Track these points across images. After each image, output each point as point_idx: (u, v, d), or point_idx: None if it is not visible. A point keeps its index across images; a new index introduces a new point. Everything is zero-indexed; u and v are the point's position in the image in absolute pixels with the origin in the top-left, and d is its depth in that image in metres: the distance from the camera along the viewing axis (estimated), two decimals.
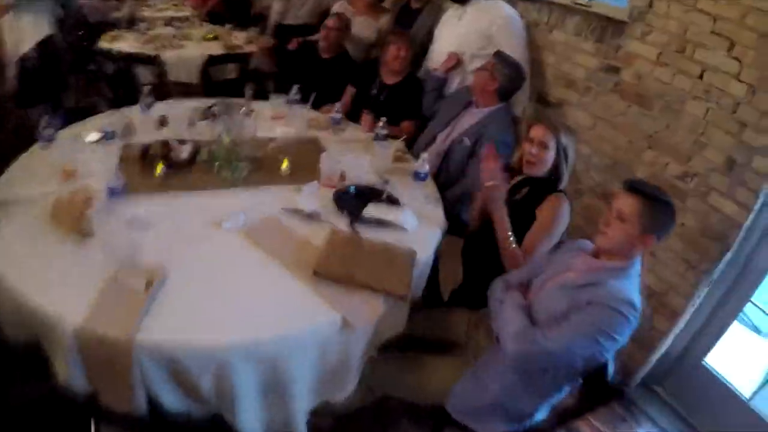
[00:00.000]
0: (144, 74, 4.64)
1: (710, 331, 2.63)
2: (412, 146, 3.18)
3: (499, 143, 2.60)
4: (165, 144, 2.56)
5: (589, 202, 3.15)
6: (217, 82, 4.75)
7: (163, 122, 2.92)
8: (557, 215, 2.16)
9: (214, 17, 6.17)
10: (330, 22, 3.73)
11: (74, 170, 2.33)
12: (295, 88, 3.22)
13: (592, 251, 1.79)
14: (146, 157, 2.51)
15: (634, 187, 1.66)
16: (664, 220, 1.64)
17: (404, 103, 3.41)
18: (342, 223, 2.20)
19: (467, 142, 2.89)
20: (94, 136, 2.69)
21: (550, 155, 2.22)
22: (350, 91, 3.65)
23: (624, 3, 2.88)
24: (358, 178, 2.52)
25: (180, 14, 7.30)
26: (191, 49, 4.84)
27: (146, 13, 6.88)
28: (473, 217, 2.45)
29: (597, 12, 3.00)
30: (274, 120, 3.14)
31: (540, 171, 2.25)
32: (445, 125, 3.06)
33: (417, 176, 2.56)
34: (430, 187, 2.66)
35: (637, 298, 1.59)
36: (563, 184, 2.28)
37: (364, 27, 4.08)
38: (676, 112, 2.62)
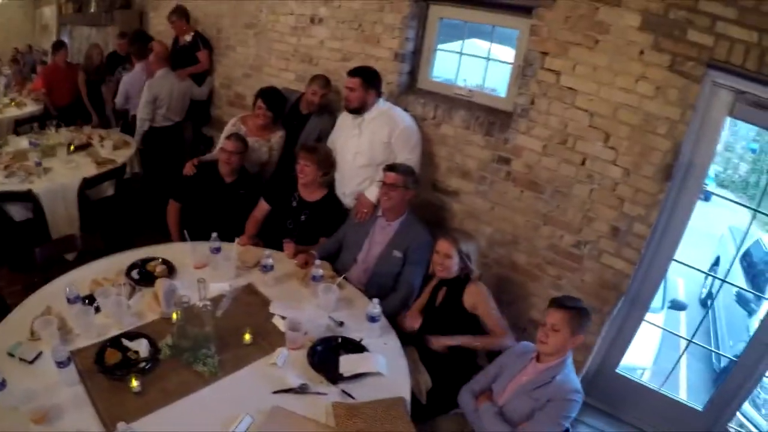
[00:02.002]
0: (18, 212, 4.33)
1: (617, 347, 3.49)
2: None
3: (425, 245, 3.16)
4: (117, 345, 2.44)
5: (497, 271, 3.65)
6: (95, 201, 4.65)
7: (96, 307, 2.66)
8: (484, 294, 2.83)
9: (64, 113, 6.06)
10: (230, 145, 3.75)
11: (44, 413, 2.08)
12: (214, 235, 3.16)
13: (536, 355, 2.42)
14: (106, 369, 2.33)
15: (559, 304, 2.33)
16: (585, 320, 2.33)
17: (325, 221, 3.56)
18: (327, 387, 2.35)
19: (398, 254, 3.21)
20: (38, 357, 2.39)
21: (455, 262, 2.84)
22: (263, 207, 3.70)
23: (502, 93, 3.52)
24: (316, 326, 2.68)
25: (25, 111, 7.04)
26: (62, 174, 4.58)
27: None
28: (411, 325, 2.95)
29: (480, 103, 3.62)
30: (198, 269, 3.12)
31: (449, 275, 2.88)
32: (361, 244, 3.34)
33: (372, 320, 2.68)
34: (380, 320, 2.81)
35: (577, 382, 2.29)
36: (475, 275, 2.86)
37: (256, 147, 4.18)
38: (564, 194, 3.20)
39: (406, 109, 3.82)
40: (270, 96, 4.20)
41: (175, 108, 5.43)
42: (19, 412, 2.07)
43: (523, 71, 3.31)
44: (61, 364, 2.22)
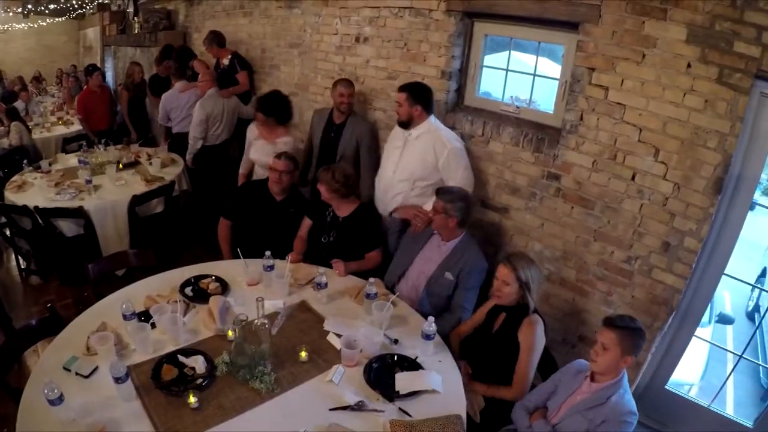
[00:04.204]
0: (69, 228, 4.76)
1: (667, 364, 3.64)
2: (381, 275, 3.64)
3: (480, 270, 3.41)
4: (173, 361, 2.64)
5: (547, 288, 3.86)
6: (144, 218, 5.06)
7: (152, 323, 2.87)
8: (536, 337, 2.90)
9: (103, 136, 6.58)
10: (280, 165, 4.01)
11: (102, 427, 2.27)
12: (268, 253, 3.38)
13: (590, 374, 2.57)
14: (163, 385, 2.51)
15: (611, 323, 2.46)
16: (638, 341, 2.44)
17: (361, 234, 3.83)
18: (383, 405, 2.52)
19: (450, 276, 3.43)
20: (95, 372, 2.61)
21: (513, 290, 2.94)
22: (307, 223, 4.01)
23: (550, 109, 3.76)
24: (371, 344, 2.83)
25: (73, 130, 7.66)
26: (112, 191, 5.04)
27: (35, 135, 7.14)
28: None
29: (528, 119, 3.87)
30: (251, 287, 3.40)
31: (506, 302, 3.00)
32: (412, 259, 3.61)
33: (427, 338, 2.84)
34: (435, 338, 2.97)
35: (632, 403, 2.40)
36: (532, 308, 2.96)
37: (267, 150, 4.64)
38: (615, 209, 3.40)
39: (453, 127, 4.11)
40: (263, 101, 4.74)
41: (225, 127, 5.86)
42: (78, 425, 2.26)
43: (570, 87, 3.53)
44: (119, 380, 2.39)
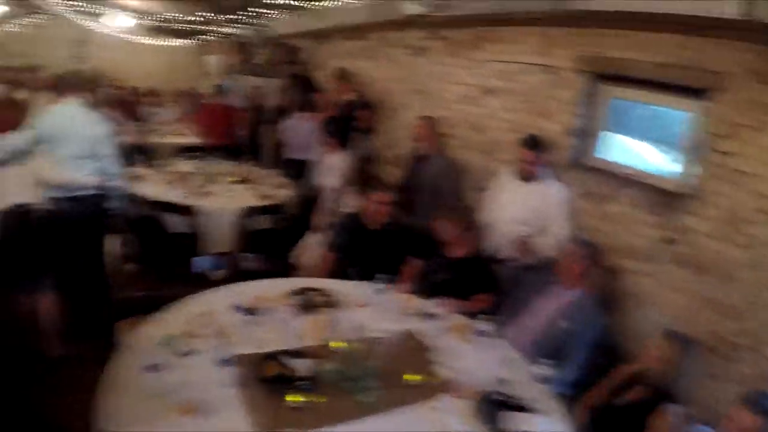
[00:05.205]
0: (173, 222, 5.22)
1: None
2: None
3: (597, 327, 3.55)
4: (274, 360, 2.77)
5: None
6: (250, 232, 5.46)
7: (257, 320, 3.16)
8: None
9: (228, 150, 7.23)
10: (380, 197, 4.34)
11: (195, 407, 2.41)
12: (379, 277, 3.64)
13: None
14: (264, 379, 2.64)
15: (757, 407, 2.32)
16: None
17: (473, 276, 4.06)
18: None
19: (566, 326, 3.57)
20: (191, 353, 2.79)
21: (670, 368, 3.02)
22: (414, 265, 4.27)
23: (672, 173, 3.96)
24: (479, 380, 2.94)
25: (187, 141, 8.35)
26: (225, 199, 5.50)
27: (153, 139, 7.86)
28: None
29: (648, 182, 4.06)
30: (360, 308, 3.60)
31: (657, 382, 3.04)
32: (527, 303, 3.81)
33: (537, 381, 2.99)
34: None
35: None
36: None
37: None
38: (730, 278, 3.50)
39: (572, 185, 4.38)
40: (327, 124, 5.44)
41: None
42: (165, 401, 2.38)
43: (693, 152, 3.72)
44: (225, 362, 2.60)
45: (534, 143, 4.27)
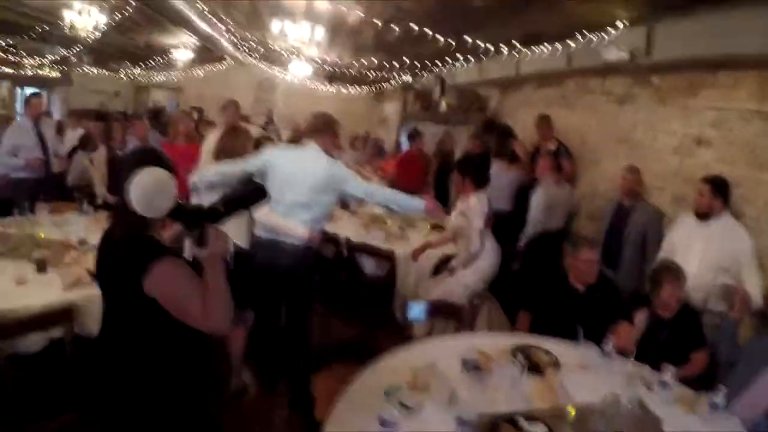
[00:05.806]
0: (370, 266, 5.41)
1: None
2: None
3: None
4: (510, 423, 2.67)
5: None
6: None
7: (483, 377, 3.06)
8: None
9: None
10: (589, 254, 4.11)
11: None
12: (608, 338, 3.51)
13: None
14: None
15: None
16: None
17: (689, 337, 3.88)
18: None
19: None
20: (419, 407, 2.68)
21: None
22: (629, 327, 3.96)
23: None
24: None
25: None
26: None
27: None
28: None
29: None
30: (581, 370, 3.39)
31: None
32: (758, 372, 3.36)
33: None
34: None
35: None
36: None
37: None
38: None
39: None
40: (460, 164, 5.32)
41: (557, 215, 6.37)
42: None
43: None
44: (462, 422, 2.47)
45: (710, 180, 4.36)
